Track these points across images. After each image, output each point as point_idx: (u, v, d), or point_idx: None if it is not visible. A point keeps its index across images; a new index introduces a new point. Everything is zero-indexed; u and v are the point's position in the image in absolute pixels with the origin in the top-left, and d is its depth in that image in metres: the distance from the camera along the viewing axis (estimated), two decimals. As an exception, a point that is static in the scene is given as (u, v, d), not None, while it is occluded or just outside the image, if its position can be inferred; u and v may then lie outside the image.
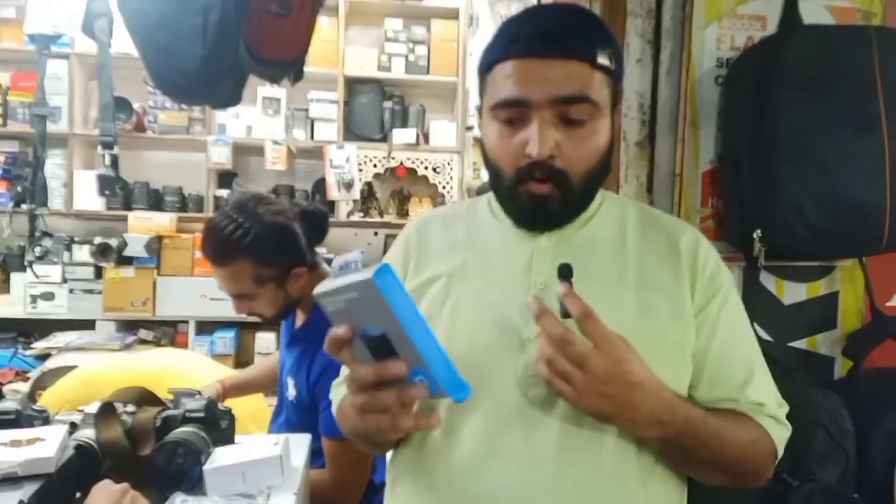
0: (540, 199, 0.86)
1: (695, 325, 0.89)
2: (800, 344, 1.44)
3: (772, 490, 1.25)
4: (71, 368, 2.32)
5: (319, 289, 0.72)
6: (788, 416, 0.94)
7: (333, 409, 1.03)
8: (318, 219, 1.62)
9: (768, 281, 1.42)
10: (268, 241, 1.47)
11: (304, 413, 1.53)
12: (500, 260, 0.92)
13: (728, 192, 1.36)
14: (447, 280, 0.93)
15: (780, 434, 0.91)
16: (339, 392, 1.02)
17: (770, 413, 0.90)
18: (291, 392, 1.57)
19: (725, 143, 1.37)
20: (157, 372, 2.07)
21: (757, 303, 1.39)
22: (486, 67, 0.90)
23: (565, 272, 0.79)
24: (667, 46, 1.40)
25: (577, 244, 0.92)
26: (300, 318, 1.66)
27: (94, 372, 2.10)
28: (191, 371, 2.11)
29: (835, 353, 1.45)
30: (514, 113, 0.85)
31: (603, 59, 0.85)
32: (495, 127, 0.88)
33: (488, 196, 1.01)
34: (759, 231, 1.27)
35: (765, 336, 1.40)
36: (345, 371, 1.02)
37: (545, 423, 0.83)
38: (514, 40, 0.86)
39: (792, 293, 1.43)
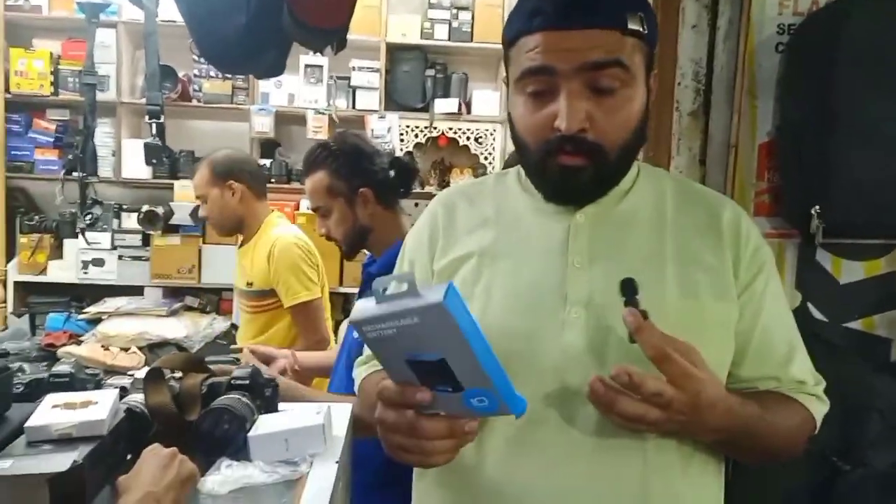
0: (571, 170, 0.81)
1: (738, 304, 0.86)
2: (855, 325, 1.39)
3: (820, 473, 1.23)
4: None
5: (358, 314, 0.66)
6: (841, 400, 0.92)
7: (356, 387, 1.02)
8: (406, 168, 1.81)
9: (824, 259, 1.36)
10: (342, 157, 1.69)
11: None
12: (534, 238, 0.88)
13: (786, 167, 1.30)
14: (478, 259, 0.89)
15: (822, 411, 0.90)
16: (361, 369, 1.01)
17: (810, 391, 0.89)
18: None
19: (785, 114, 1.31)
20: None
21: (812, 282, 1.35)
22: (510, 41, 0.85)
23: (628, 290, 0.74)
24: (725, 11, 1.33)
25: (615, 220, 0.88)
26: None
27: None
28: None
29: (893, 335, 1.39)
30: (540, 84, 0.81)
31: (633, 24, 0.80)
32: (521, 100, 0.84)
33: (517, 169, 0.97)
34: (817, 207, 1.22)
35: (819, 316, 1.36)
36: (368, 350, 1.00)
37: (584, 410, 0.80)
38: (536, 12, 0.81)
39: (849, 272, 1.38)
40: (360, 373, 1.01)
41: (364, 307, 0.65)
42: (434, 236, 0.95)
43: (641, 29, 0.81)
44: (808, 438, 0.90)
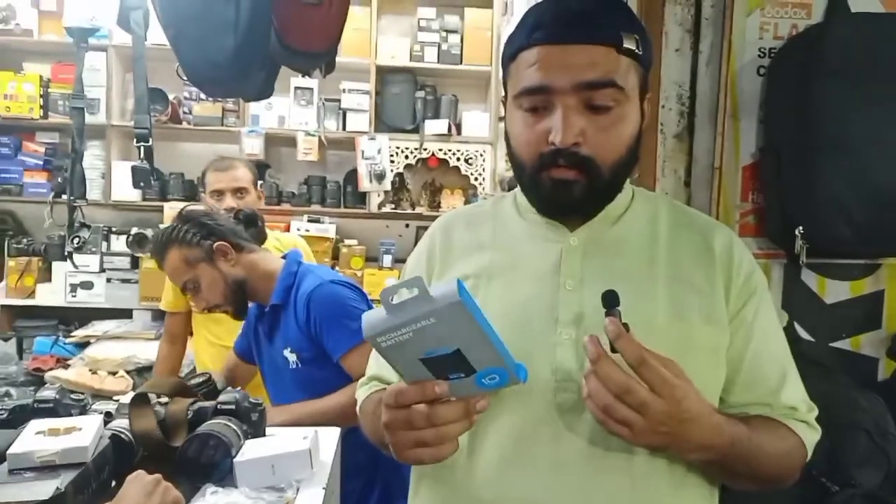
0: (563, 184, 0.83)
1: (729, 329, 0.87)
2: (842, 344, 1.39)
3: (809, 494, 1.22)
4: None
5: (371, 328, 0.68)
6: (828, 419, 0.92)
7: (357, 409, 1.02)
8: (251, 215, 1.94)
9: (810, 279, 1.37)
10: (186, 226, 1.69)
11: (312, 366, 1.64)
12: (528, 260, 0.90)
13: (769, 187, 1.32)
14: (474, 281, 0.90)
15: (812, 439, 0.90)
16: (363, 391, 1.01)
17: (802, 418, 0.89)
18: (294, 359, 1.66)
19: (767, 135, 1.33)
20: None
21: (798, 302, 1.36)
22: (510, 57, 0.88)
23: (610, 301, 0.75)
24: (707, 35, 1.36)
25: (608, 244, 0.89)
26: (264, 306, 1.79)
27: None
28: None
29: (879, 355, 1.40)
30: (537, 101, 0.83)
31: (629, 44, 0.82)
32: (519, 116, 0.86)
33: (513, 194, 0.99)
34: (801, 227, 1.23)
35: (805, 336, 1.36)
36: (372, 370, 1.01)
37: (574, 429, 0.82)
38: (536, 27, 0.84)
39: (834, 292, 1.39)
40: (361, 394, 1.01)
41: (375, 320, 0.68)
42: (432, 259, 0.97)
43: (636, 50, 0.83)
44: (801, 466, 0.89)
